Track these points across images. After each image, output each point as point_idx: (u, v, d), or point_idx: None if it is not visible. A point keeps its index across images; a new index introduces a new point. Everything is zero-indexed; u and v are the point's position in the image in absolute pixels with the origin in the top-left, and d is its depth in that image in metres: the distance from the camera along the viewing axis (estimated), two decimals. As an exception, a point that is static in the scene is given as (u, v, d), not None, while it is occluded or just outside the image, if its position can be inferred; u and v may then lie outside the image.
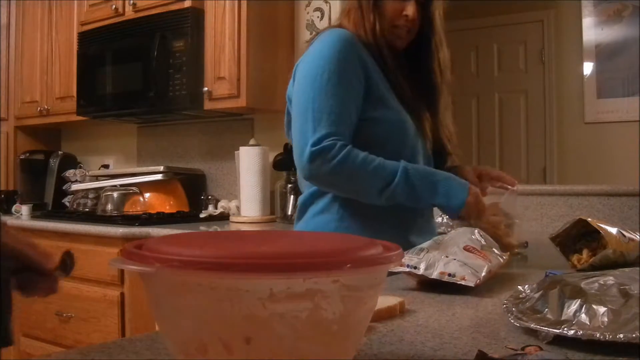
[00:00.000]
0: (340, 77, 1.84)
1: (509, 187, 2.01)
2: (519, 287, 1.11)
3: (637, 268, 1.09)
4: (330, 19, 3.82)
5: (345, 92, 1.85)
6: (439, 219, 2.57)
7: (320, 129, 1.79)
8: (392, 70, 1.96)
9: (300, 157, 1.82)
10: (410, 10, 1.93)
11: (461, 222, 1.87)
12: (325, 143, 1.77)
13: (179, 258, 0.61)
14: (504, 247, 1.73)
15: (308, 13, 3.95)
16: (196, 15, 3.82)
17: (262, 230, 1.14)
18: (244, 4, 3.68)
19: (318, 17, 3.89)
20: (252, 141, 3.90)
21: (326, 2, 3.87)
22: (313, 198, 1.99)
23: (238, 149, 3.88)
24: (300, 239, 0.79)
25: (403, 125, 1.93)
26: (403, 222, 1.94)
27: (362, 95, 1.89)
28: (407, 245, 1.43)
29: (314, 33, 3.82)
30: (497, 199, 1.98)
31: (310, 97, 1.84)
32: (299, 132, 1.84)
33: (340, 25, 2.03)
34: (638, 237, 1.71)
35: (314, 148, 1.77)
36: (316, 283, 0.61)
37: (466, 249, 1.38)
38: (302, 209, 2.03)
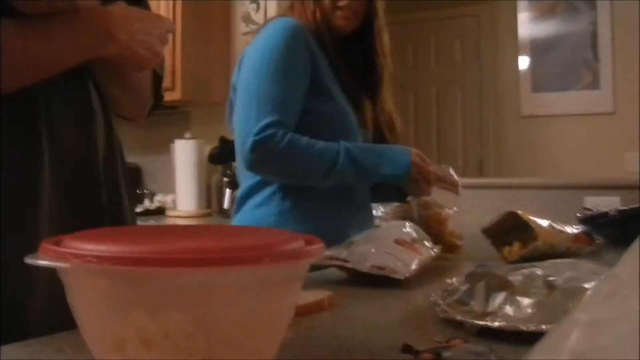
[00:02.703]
0: (287, 66, 1.83)
1: (453, 190, 1.99)
2: (447, 279, 1.11)
3: (566, 260, 1.10)
4: (266, 11, 3.81)
5: (291, 81, 1.83)
6: (374, 212, 2.58)
7: (263, 117, 1.77)
8: (334, 58, 1.95)
9: (242, 146, 1.79)
10: None
11: (414, 190, 1.87)
12: (268, 132, 1.75)
13: (95, 253, 0.59)
14: (447, 246, 1.74)
15: (244, 5, 3.93)
16: (130, 7, 3.77)
17: (188, 225, 1.13)
18: (178, -3, 3.66)
19: (254, 9, 3.87)
20: (187, 134, 3.88)
21: (262, -6, 3.85)
22: (252, 191, 1.97)
23: (173, 142, 3.85)
24: (222, 233, 0.78)
25: (345, 118, 1.93)
26: (342, 216, 1.93)
27: (307, 85, 1.88)
28: (346, 239, 1.43)
29: (250, 25, 3.81)
30: (440, 196, 1.97)
31: (255, 86, 1.82)
32: (242, 122, 1.82)
33: (285, 16, 2.00)
34: (568, 229, 1.73)
35: (256, 137, 1.75)
36: (234, 277, 0.60)
37: (397, 242, 1.38)
38: (241, 202, 2.01)
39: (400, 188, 1.98)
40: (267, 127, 1.76)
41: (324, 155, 1.80)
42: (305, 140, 1.79)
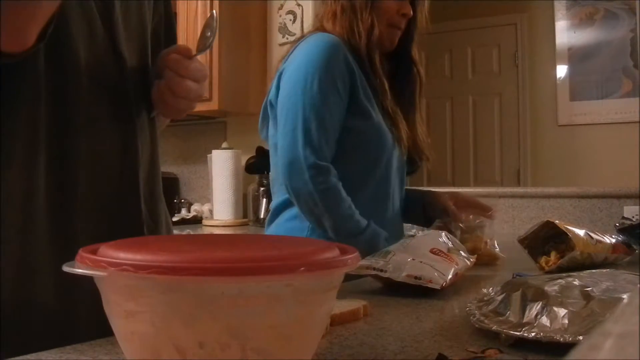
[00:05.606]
0: (331, 86, 1.81)
1: (486, 217, 1.97)
2: (483, 289, 1.11)
3: (604, 270, 1.09)
4: (302, 22, 3.82)
5: (334, 102, 1.82)
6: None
7: (313, 141, 1.77)
8: (379, 76, 1.93)
9: (289, 166, 1.80)
10: (407, 9, 1.92)
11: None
12: (323, 163, 1.77)
13: (131, 262, 0.60)
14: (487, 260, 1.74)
15: (280, 16, 3.94)
16: (168, 17, 3.81)
17: (223, 234, 1.13)
18: (215, 5, 3.67)
19: (290, 20, 3.88)
20: (224, 144, 3.89)
21: (298, 6, 3.86)
22: (287, 204, 1.95)
23: (210, 152, 3.87)
24: (258, 243, 0.78)
25: (382, 136, 1.91)
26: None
27: (347, 104, 1.87)
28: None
29: (286, 36, 3.82)
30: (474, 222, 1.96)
31: (301, 104, 1.80)
32: (289, 139, 1.81)
33: (323, 29, 1.98)
34: (606, 239, 1.71)
35: (309, 162, 1.76)
36: (269, 287, 0.60)
37: (433, 251, 1.37)
38: (274, 214, 2.00)
39: (427, 215, 1.99)
40: (320, 154, 1.78)
41: (350, 221, 1.82)
42: (348, 200, 1.82)
